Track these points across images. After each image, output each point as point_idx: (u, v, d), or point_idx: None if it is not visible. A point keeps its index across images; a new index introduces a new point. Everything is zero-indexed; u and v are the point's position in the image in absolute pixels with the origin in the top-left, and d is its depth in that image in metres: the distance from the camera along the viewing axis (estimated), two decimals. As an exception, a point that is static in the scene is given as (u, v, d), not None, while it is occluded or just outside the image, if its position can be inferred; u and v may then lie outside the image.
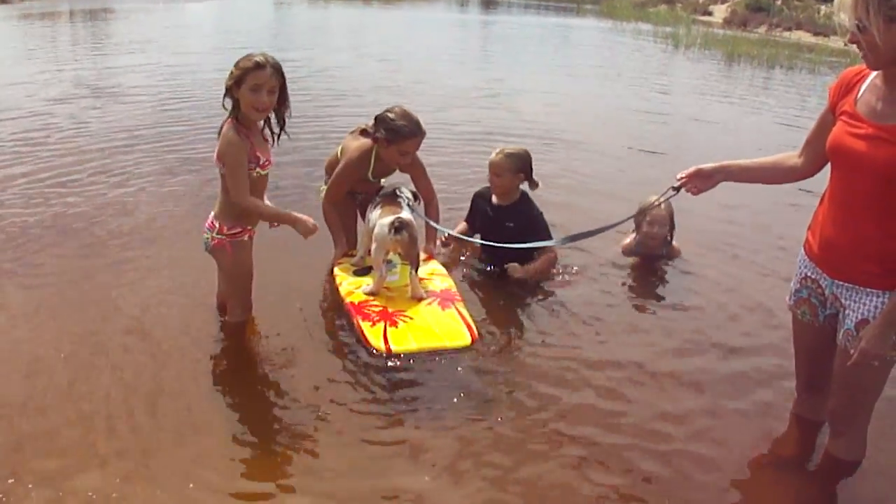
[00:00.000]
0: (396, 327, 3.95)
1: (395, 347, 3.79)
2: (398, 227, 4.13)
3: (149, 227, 5.60)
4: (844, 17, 2.57)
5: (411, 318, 4.04)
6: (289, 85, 3.77)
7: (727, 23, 35.47)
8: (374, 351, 3.84)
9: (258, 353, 4.03)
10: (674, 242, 5.36)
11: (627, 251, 5.38)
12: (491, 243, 4.62)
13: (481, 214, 5.02)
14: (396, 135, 4.43)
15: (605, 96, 13.32)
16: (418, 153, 4.72)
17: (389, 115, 4.46)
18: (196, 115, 8.98)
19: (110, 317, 4.20)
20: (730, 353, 4.24)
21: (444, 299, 4.23)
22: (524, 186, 4.92)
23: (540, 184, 4.90)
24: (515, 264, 4.75)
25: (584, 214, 5.97)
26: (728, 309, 4.78)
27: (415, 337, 3.88)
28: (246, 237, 3.95)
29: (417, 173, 4.78)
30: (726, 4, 41.62)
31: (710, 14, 40.51)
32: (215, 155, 3.76)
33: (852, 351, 2.82)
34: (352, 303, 4.21)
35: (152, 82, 11.90)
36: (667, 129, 10.53)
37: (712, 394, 3.83)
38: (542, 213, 4.91)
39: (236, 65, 3.63)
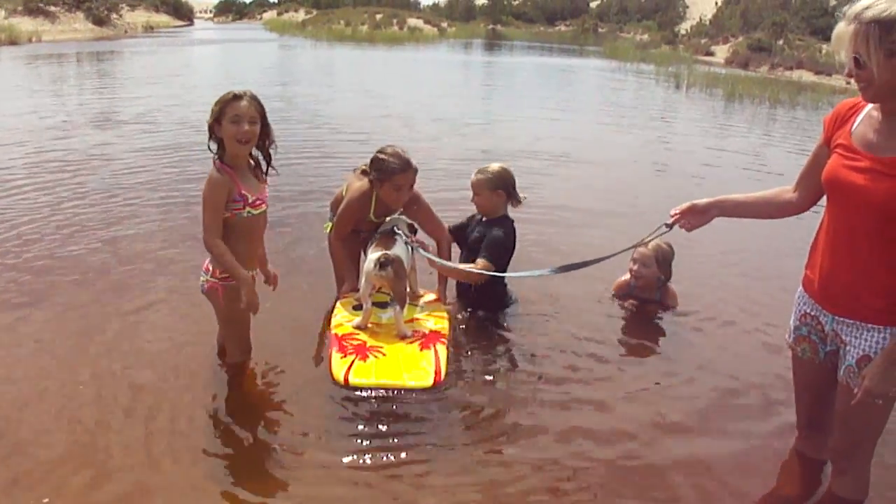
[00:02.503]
0: (365, 361, 3.92)
1: (353, 380, 3.77)
2: (383, 262, 4.14)
3: (153, 260, 5.61)
4: (842, 51, 2.53)
5: (384, 355, 4.02)
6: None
7: (729, 63, 35.86)
8: (333, 381, 3.83)
9: (254, 392, 3.94)
10: (670, 285, 5.13)
11: (621, 290, 5.23)
12: (486, 272, 4.53)
13: (469, 226, 4.93)
14: (386, 172, 4.46)
15: (606, 130, 13.37)
16: (426, 197, 4.73)
17: (380, 155, 4.51)
18: (201, 143, 9.12)
19: (111, 352, 4.17)
20: (728, 393, 4.11)
21: (428, 340, 4.19)
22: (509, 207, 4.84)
23: (524, 200, 4.82)
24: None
25: (580, 241, 5.96)
26: (725, 347, 4.66)
27: (377, 372, 3.83)
28: None
29: (424, 215, 4.76)
30: (728, 45, 42.15)
31: (711, 54, 41.04)
32: None
33: (855, 389, 2.73)
34: (336, 334, 4.21)
35: (154, 113, 12.27)
36: (671, 162, 10.55)
37: (710, 435, 3.71)
38: (505, 236, 4.73)
39: (216, 102, 3.63)
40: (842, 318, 2.81)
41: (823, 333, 2.93)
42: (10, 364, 4.02)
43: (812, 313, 2.95)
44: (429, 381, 3.82)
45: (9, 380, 3.86)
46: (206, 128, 3.67)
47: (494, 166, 4.83)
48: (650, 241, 3.76)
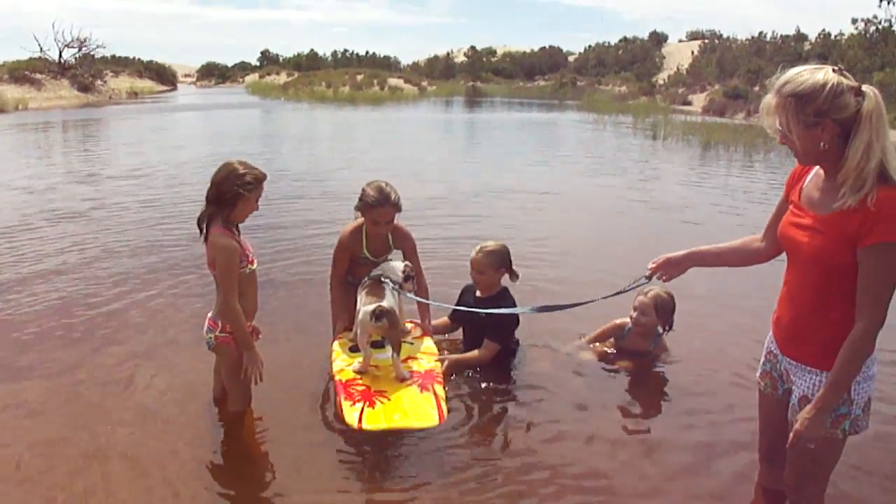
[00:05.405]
0: (373, 408, 4.08)
1: (366, 426, 3.95)
2: (378, 315, 4.31)
3: (142, 315, 5.74)
4: (771, 121, 2.69)
5: (388, 399, 4.18)
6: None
7: (705, 111, 36.43)
8: (346, 426, 4.02)
9: (252, 440, 4.15)
10: (664, 338, 5.18)
11: (615, 332, 5.25)
12: (463, 307, 4.86)
13: (465, 307, 5.08)
14: (365, 205, 4.65)
15: (585, 176, 13.68)
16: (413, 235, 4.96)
17: (365, 188, 4.69)
18: (184, 203, 9.54)
19: (103, 407, 4.33)
20: (695, 426, 4.27)
21: (426, 380, 4.37)
22: (505, 280, 5.03)
23: (520, 276, 5.01)
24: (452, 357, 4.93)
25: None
26: (698, 382, 4.83)
27: (386, 417, 4.03)
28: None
29: (408, 249, 4.93)
30: (705, 93, 42.84)
31: (689, 103, 41.69)
32: (208, 261, 3.97)
33: (791, 433, 2.86)
34: (340, 380, 4.39)
35: (142, 178, 12.55)
36: (647, 214, 10.75)
37: (677, 467, 3.86)
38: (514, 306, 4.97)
39: (250, 174, 3.88)
40: (789, 359, 2.96)
41: (780, 371, 3.06)
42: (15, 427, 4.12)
43: (774, 351, 3.08)
44: (434, 422, 4.02)
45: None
46: (199, 188, 3.86)
47: (495, 245, 4.99)
48: (629, 290, 3.83)
